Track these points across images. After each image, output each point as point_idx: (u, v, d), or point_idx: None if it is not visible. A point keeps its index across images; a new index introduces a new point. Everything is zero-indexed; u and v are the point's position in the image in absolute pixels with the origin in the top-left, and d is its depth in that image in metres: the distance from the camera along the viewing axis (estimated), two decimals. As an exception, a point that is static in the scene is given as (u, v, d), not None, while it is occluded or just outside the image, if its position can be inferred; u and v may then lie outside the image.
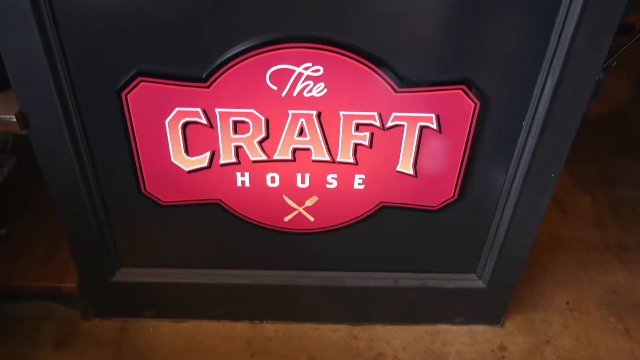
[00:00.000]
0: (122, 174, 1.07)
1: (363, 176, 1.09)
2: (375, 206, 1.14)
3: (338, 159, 1.06)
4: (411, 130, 1.01)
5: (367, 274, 1.28)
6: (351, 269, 1.28)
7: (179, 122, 0.99)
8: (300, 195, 1.12)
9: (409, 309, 1.33)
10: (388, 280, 1.28)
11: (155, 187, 1.09)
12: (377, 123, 1.00)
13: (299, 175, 1.08)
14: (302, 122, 1.00)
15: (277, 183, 1.09)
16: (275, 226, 1.17)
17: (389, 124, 1.00)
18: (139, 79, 0.94)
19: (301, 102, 0.97)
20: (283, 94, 0.96)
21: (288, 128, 1.01)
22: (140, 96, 0.96)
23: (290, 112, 0.99)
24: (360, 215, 1.15)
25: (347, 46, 0.91)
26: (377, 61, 0.93)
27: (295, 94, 0.96)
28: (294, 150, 1.04)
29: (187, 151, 1.04)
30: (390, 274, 1.28)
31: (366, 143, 1.03)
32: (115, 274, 1.26)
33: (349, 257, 1.26)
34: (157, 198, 1.11)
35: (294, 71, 0.93)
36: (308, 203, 1.13)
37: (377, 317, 1.35)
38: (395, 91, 0.96)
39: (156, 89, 0.95)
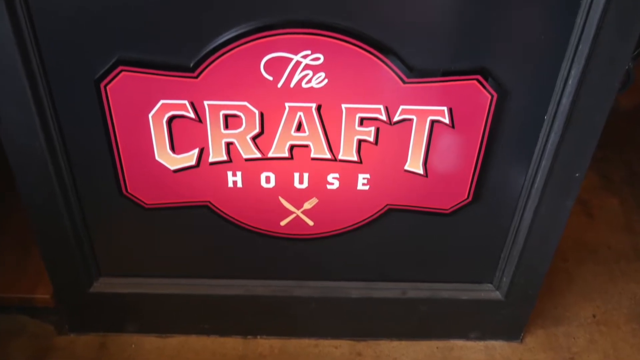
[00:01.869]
0: (102, 174, 1.07)
1: (368, 176, 1.09)
2: (381, 209, 1.14)
3: (340, 156, 1.06)
4: (421, 125, 1.01)
5: (372, 284, 1.28)
6: (354, 278, 1.28)
7: (164, 116, 0.99)
8: (298, 197, 1.12)
9: (418, 322, 1.33)
10: (395, 291, 1.28)
11: (137, 187, 1.09)
12: (384, 117, 1.00)
13: (296, 175, 1.08)
14: (300, 116, 1.00)
15: (272, 183, 1.09)
16: (270, 231, 1.17)
17: (396, 118, 1.00)
18: (120, 68, 0.94)
19: (299, 93, 0.97)
20: (279, 85, 0.96)
21: (285, 122, 1.01)
22: (121, 87, 0.96)
23: (287, 104, 0.99)
24: (365, 219, 1.15)
25: (350, 32, 0.91)
26: (383, 49, 0.92)
27: (292, 84, 0.96)
28: (291, 147, 1.04)
29: (173, 148, 1.04)
30: (398, 284, 1.28)
31: (371, 139, 1.03)
32: (94, 284, 1.26)
33: (352, 266, 1.26)
34: (139, 200, 1.11)
35: (291, 59, 0.93)
36: (307, 205, 1.13)
37: (383, 331, 1.35)
38: (404, 82, 0.96)
39: (139, 79, 0.95)
